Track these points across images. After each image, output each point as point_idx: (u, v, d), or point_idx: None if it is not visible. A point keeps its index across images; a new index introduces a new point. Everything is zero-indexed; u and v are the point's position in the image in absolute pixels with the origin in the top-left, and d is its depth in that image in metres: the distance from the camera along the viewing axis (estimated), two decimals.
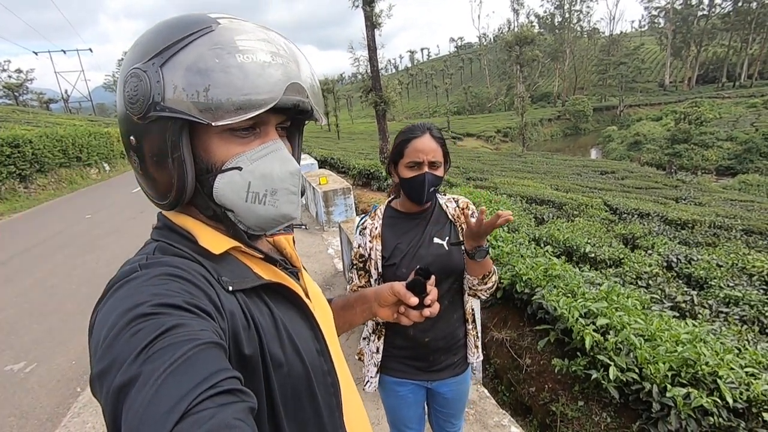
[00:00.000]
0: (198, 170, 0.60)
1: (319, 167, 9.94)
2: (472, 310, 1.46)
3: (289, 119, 0.67)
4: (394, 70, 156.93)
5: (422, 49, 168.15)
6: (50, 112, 39.74)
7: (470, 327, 1.45)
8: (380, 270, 1.35)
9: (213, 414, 0.40)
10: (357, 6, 10.74)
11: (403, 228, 1.37)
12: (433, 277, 0.83)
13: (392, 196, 1.45)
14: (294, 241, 0.81)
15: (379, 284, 1.33)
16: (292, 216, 0.66)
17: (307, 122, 0.73)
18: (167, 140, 0.57)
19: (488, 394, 2.58)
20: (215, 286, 0.57)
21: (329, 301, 0.90)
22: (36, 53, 48.93)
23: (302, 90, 0.61)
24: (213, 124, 0.55)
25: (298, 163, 0.70)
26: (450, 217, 1.40)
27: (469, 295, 1.42)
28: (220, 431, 0.39)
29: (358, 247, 1.39)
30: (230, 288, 0.59)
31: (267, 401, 0.59)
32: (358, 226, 1.42)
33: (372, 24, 10.76)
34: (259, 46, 0.57)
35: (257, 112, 0.56)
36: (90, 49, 50.48)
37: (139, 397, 0.40)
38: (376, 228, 1.37)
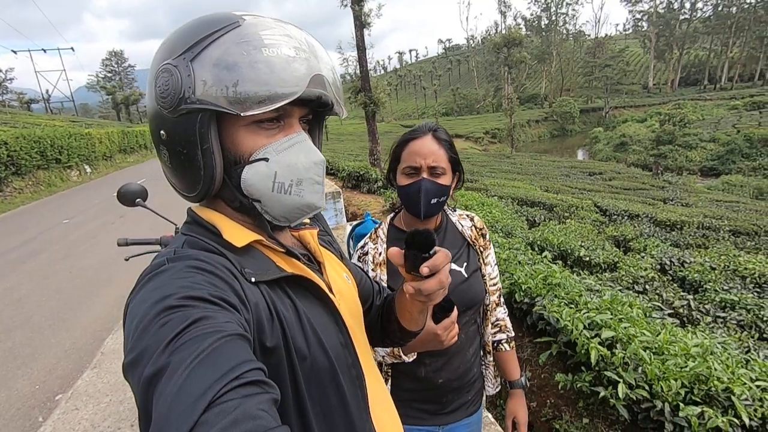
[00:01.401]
0: (226, 162, 0.62)
1: None
2: (493, 339, 1.30)
3: (312, 112, 0.69)
4: (382, 71, 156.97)
5: (411, 51, 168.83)
6: (30, 113, 38.71)
7: (490, 358, 1.29)
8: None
9: (238, 404, 0.41)
10: (346, 5, 10.61)
11: None
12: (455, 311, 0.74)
13: (395, 213, 1.26)
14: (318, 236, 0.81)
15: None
16: (317, 205, 0.67)
17: (328, 116, 0.74)
18: (197, 132, 0.59)
19: (493, 420, 2.43)
20: (239, 278, 0.59)
21: (391, 297, 0.90)
22: (15, 52, 47.74)
23: (324, 83, 0.63)
24: (242, 114, 0.57)
25: None
26: (468, 238, 1.22)
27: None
28: (245, 421, 0.40)
29: None
30: (253, 279, 0.60)
31: (293, 391, 0.60)
32: (358, 237, 1.22)
33: (361, 24, 10.62)
34: (283, 41, 0.59)
35: (283, 103, 0.58)
36: (72, 48, 49.33)
37: (168, 387, 0.42)
38: (379, 254, 1.17)
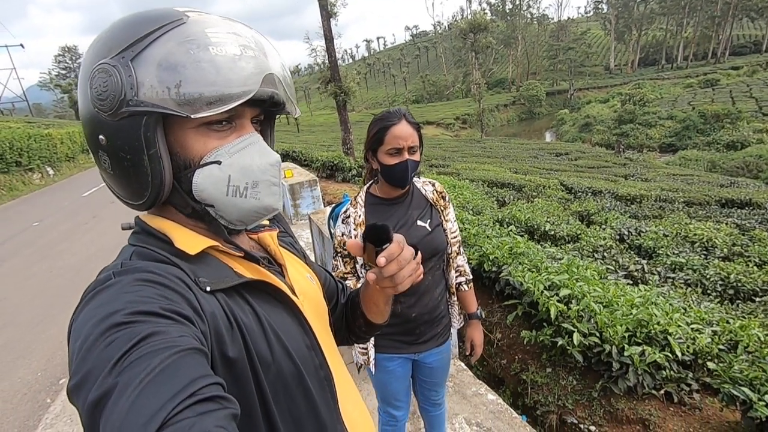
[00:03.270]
0: (175, 167, 0.59)
1: (282, 161, 9.77)
2: (455, 282, 1.56)
3: (263, 112, 0.67)
4: (351, 60, 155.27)
5: (378, 39, 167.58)
6: None
7: (454, 298, 1.55)
8: None
9: (193, 423, 0.39)
10: None
11: (386, 213, 1.41)
12: (404, 244, 0.69)
13: (370, 183, 1.48)
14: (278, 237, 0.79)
15: (364, 270, 1.39)
16: (274, 207, 0.65)
17: (279, 116, 0.73)
18: (142, 136, 0.56)
19: (465, 367, 2.71)
20: (193, 288, 0.56)
21: (354, 293, 0.92)
22: None
23: (275, 82, 0.61)
24: (192, 116, 0.54)
25: None
26: (430, 200, 1.46)
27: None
28: None
29: (342, 235, 1.42)
30: (208, 288, 0.58)
31: (259, 400, 0.58)
32: (338, 215, 1.45)
33: (328, 13, 10.61)
34: (230, 39, 0.56)
35: (236, 103, 0.56)
36: (21, 45, 46.60)
37: (115, 410, 0.39)
38: (359, 216, 1.40)
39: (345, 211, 1.44)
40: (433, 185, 1.50)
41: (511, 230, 3.91)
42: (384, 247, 0.62)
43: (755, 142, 22.91)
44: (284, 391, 0.62)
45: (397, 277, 0.63)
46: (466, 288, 1.57)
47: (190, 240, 0.62)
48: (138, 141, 0.56)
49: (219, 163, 0.59)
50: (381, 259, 0.61)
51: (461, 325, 1.61)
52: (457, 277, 1.56)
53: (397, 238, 0.64)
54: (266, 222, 0.79)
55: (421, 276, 0.68)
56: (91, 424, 0.41)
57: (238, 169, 0.60)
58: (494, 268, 3.05)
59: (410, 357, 1.52)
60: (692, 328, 2.37)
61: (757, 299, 3.92)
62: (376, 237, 0.63)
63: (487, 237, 3.44)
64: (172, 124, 0.57)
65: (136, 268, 0.55)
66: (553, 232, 5.32)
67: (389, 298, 0.80)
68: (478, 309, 1.60)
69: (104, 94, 0.55)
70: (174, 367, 0.42)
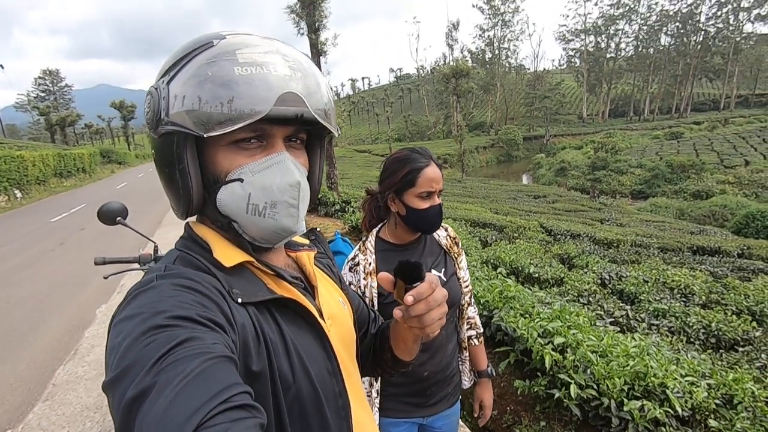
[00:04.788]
0: (206, 182, 0.62)
1: None
2: (467, 336, 1.45)
3: (301, 131, 0.66)
4: (336, 98, 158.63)
5: (363, 78, 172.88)
6: None
7: (466, 354, 1.43)
8: (376, 308, 1.25)
9: (226, 429, 0.40)
10: (302, 34, 10.83)
11: (397, 260, 1.30)
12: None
13: (380, 226, 1.37)
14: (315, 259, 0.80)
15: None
16: (292, 229, 0.65)
17: (329, 134, 0.71)
18: (174, 153, 0.60)
19: (462, 424, 2.55)
20: (227, 298, 0.58)
21: (385, 326, 0.89)
22: None
23: (300, 101, 0.59)
24: (204, 135, 0.56)
25: (320, 176, 0.73)
26: (444, 247, 1.37)
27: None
28: None
29: (349, 285, 1.28)
30: (240, 300, 0.59)
31: (276, 419, 0.58)
32: (347, 262, 1.32)
33: (317, 51, 10.87)
34: (260, 59, 0.57)
35: (244, 123, 0.56)
36: (0, 66, 45.92)
37: (153, 408, 0.40)
38: (370, 263, 1.28)
39: (353, 258, 1.31)
40: (446, 230, 1.41)
41: (500, 272, 3.86)
42: (414, 285, 0.60)
43: (719, 193, 24.13)
44: (301, 413, 0.61)
45: (426, 319, 0.61)
46: (477, 342, 1.45)
47: (227, 252, 0.64)
48: (171, 157, 0.60)
49: (242, 180, 0.61)
50: (409, 298, 0.59)
51: (472, 383, 1.48)
52: (467, 330, 1.45)
53: (430, 277, 0.61)
54: (305, 241, 0.80)
55: (444, 323, 0.63)
56: (125, 420, 0.42)
57: (259, 188, 0.61)
58: (485, 312, 2.97)
59: (418, 421, 1.37)
60: (688, 381, 2.32)
61: (740, 349, 3.93)
62: (407, 274, 0.61)
63: (477, 279, 3.38)
64: (205, 141, 0.60)
65: (177, 273, 0.57)
66: (537, 275, 5.31)
67: (418, 337, 0.77)
68: (488, 366, 1.48)
69: (149, 115, 0.60)
70: (209, 373, 0.44)
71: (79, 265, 6.80)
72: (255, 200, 0.61)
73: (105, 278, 1.77)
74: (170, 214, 11.05)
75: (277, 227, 0.63)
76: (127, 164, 38.60)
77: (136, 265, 1.69)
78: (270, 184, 0.61)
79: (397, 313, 0.63)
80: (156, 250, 1.68)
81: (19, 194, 16.50)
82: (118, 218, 1.53)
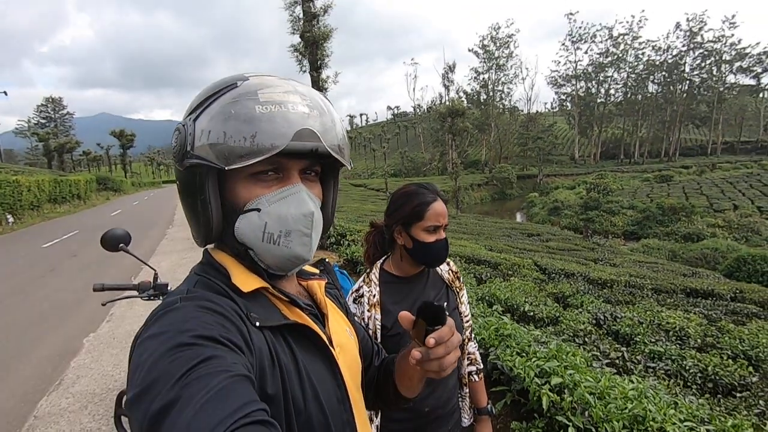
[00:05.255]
0: (226, 211, 0.66)
1: None
2: (468, 372, 1.43)
3: (316, 165, 0.71)
4: None
5: (361, 115, 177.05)
6: None
7: (466, 390, 1.41)
8: (380, 341, 1.25)
9: None
10: (304, 71, 11.19)
11: (402, 293, 1.30)
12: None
13: (384, 258, 1.39)
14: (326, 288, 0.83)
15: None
16: (305, 257, 0.68)
17: (342, 167, 0.75)
18: (197, 184, 0.65)
19: None
20: (246, 322, 0.61)
21: (389, 360, 0.91)
22: None
23: (315, 136, 0.63)
24: (226, 168, 0.60)
25: (334, 207, 0.76)
26: (446, 281, 1.39)
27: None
28: None
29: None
30: (257, 324, 0.62)
31: None
32: (351, 294, 1.33)
33: (319, 88, 11.20)
34: (279, 98, 0.62)
35: (263, 157, 0.60)
36: (5, 92, 46.55)
37: (180, 419, 0.43)
38: (374, 295, 1.29)
39: (357, 290, 1.32)
40: (449, 264, 1.42)
41: (496, 309, 3.85)
42: (437, 327, 0.61)
43: (709, 236, 24.40)
44: None
45: (444, 362, 0.62)
46: (477, 378, 1.45)
47: (244, 278, 0.67)
48: (194, 187, 0.65)
49: (259, 210, 0.65)
50: (431, 340, 0.60)
51: (471, 421, 1.45)
52: (468, 365, 1.44)
53: (449, 322, 0.63)
54: (316, 271, 0.84)
55: (455, 361, 0.64)
56: (150, 429, 0.44)
57: (275, 217, 0.64)
58: (481, 350, 2.93)
59: None
60: (687, 426, 2.28)
61: (738, 394, 3.88)
62: (430, 316, 0.61)
63: (473, 316, 3.36)
64: (226, 173, 0.63)
65: (200, 296, 0.61)
66: (532, 313, 5.28)
67: (423, 376, 0.78)
68: (488, 403, 1.46)
69: (176, 148, 0.65)
70: (230, 389, 0.46)
71: (68, 293, 6.67)
72: (271, 229, 0.64)
73: (103, 305, 1.76)
74: (164, 243, 10.97)
75: (291, 255, 0.66)
76: (123, 191, 38.63)
77: (135, 293, 1.69)
78: (285, 214, 0.65)
79: (416, 354, 0.62)
80: (156, 277, 1.68)
81: (11, 219, 16.35)
82: (121, 244, 1.54)
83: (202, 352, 0.49)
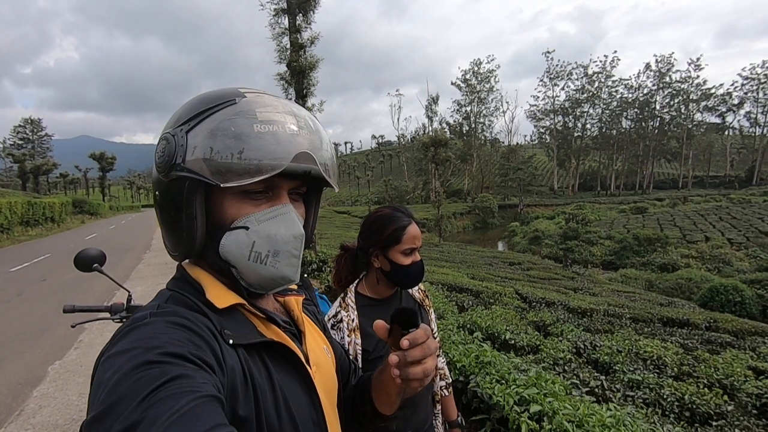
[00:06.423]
0: (210, 226, 0.64)
1: None
2: (440, 389, 1.44)
3: (304, 185, 0.70)
4: None
5: (346, 143, 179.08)
6: None
7: (439, 407, 1.42)
8: (361, 366, 1.24)
9: None
10: (290, 99, 11.34)
11: (379, 315, 1.30)
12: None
13: (357, 281, 1.40)
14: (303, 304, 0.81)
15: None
16: (291, 278, 0.67)
17: (325, 188, 0.76)
18: (183, 197, 0.62)
19: None
20: (218, 339, 0.58)
21: (366, 377, 0.88)
22: None
23: (311, 159, 0.64)
24: (222, 185, 0.59)
25: (314, 227, 0.75)
26: (417, 300, 1.42)
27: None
28: None
29: None
30: (231, 341, 0.59)
31: None
32: (329, 319, 1.32)
33: None
34: (276, 118, 0.61)
35: (262, 177, 0.59)
36: None
37: None
38: (352, 320, 1.29)
39: (335, 315, 1.32)
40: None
41: (476, 336, 3.84)
42: (410, 331, 0.62)
43: (684, 266, 25.06)
44: None
45: (426, 366, 0.61)
46: (447, 393, 1.47)
47: (220, 294, 0.65)
48: (179, 200, 0.62)
49: (247, 228, 0.63)
50: (405, 342, 0.60)
51: None
52: (438, 380, 1.46)
53: (424, 326, 0.63)
54: (294, 286, 0.80)
55: (433, 370, 0.64)
56: None
57: (264, 236, 0.63)
58: (461, 378, 2.91)
59: None
60: None
61: (714, 423, 3.91)
62: (403, 320, 0.63)
63: (453, 343, 3.35)
64: (214, 188, 0.61)
65: (171, 311, 0.58)
66: (513, 341, 5.28)
67: (402, 389, 0.75)
68: (458, 415, 1.48)
69: (161, 158, 0.62)
70: (197, 411, 0.44)
71: (35, 318, 6.37)
72: (258, 248, 0.63)
73: (73, 326, 1.70)
74: (140, 267, 10.66)
75: (277, 275, 0.65)
76: (100, 215, 37.66)
77: (107, 314, 1.64)
78: (275, 234, 0.63)
79: (393, 358, 0.62)
80: (130, 299, 1.64)
81: None
82: (95, 264, 1.50)
83: (170, 370, 0.47)
